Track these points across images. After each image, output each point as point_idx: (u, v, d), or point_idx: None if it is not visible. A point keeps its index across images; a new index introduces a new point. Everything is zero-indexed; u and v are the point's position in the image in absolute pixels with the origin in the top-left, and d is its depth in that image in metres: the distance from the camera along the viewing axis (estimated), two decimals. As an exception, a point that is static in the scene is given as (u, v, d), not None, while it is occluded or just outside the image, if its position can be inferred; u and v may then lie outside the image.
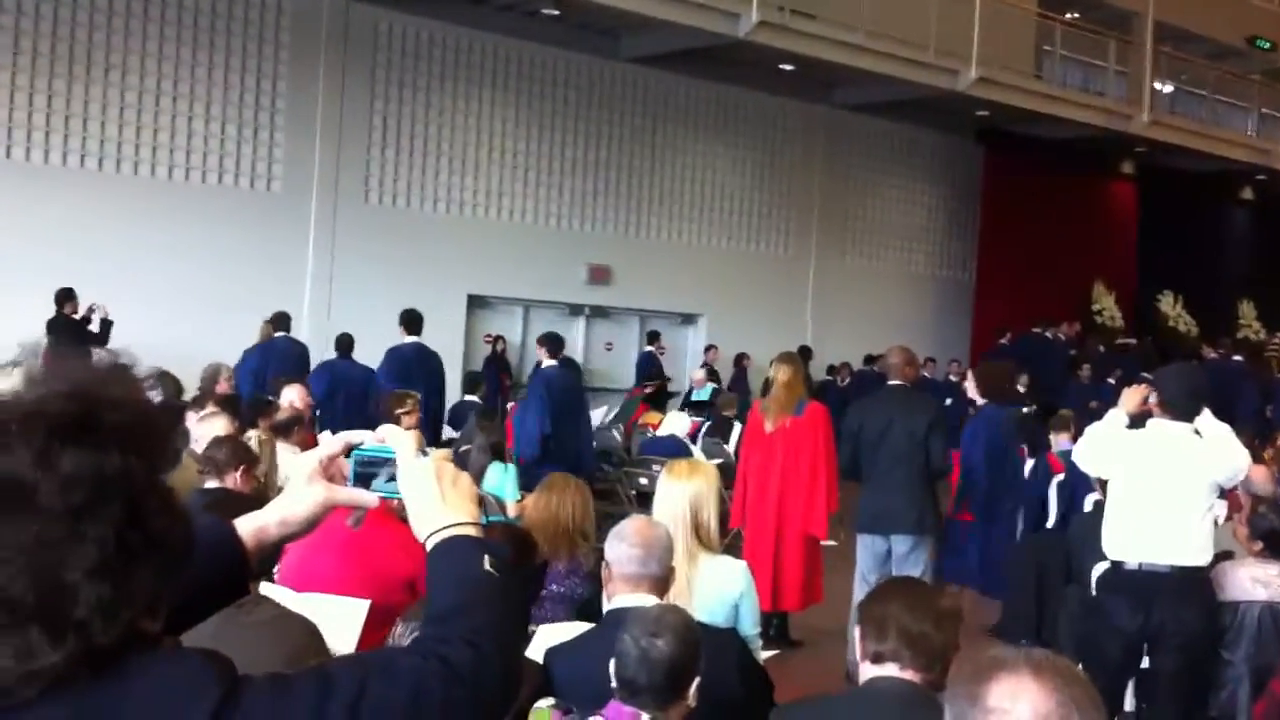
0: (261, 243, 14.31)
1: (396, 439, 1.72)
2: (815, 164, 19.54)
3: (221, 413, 6.38)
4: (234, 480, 4.88)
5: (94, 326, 11.87)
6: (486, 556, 1.54)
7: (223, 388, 8.61)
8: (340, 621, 3.88)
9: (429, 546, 1.58)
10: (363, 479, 1.72)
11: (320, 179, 14.88)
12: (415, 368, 11.05)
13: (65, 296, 11.79)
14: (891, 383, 7.55)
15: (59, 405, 1.26)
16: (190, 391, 10.19)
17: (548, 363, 10.61)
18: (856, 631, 2.97)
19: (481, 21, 15.74)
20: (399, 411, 8.77)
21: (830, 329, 19.17)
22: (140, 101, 13.63)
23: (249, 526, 1.66)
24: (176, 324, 12.98)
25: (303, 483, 1.70)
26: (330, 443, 1.75)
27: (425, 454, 1.68)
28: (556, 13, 15.51)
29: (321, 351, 12.65)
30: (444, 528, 1.58)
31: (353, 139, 15.11)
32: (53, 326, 11.50)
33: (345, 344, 11.64)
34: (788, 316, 18.90)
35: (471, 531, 1.58)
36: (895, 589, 3.17)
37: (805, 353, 17.03)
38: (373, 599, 4.10)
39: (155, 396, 10.13)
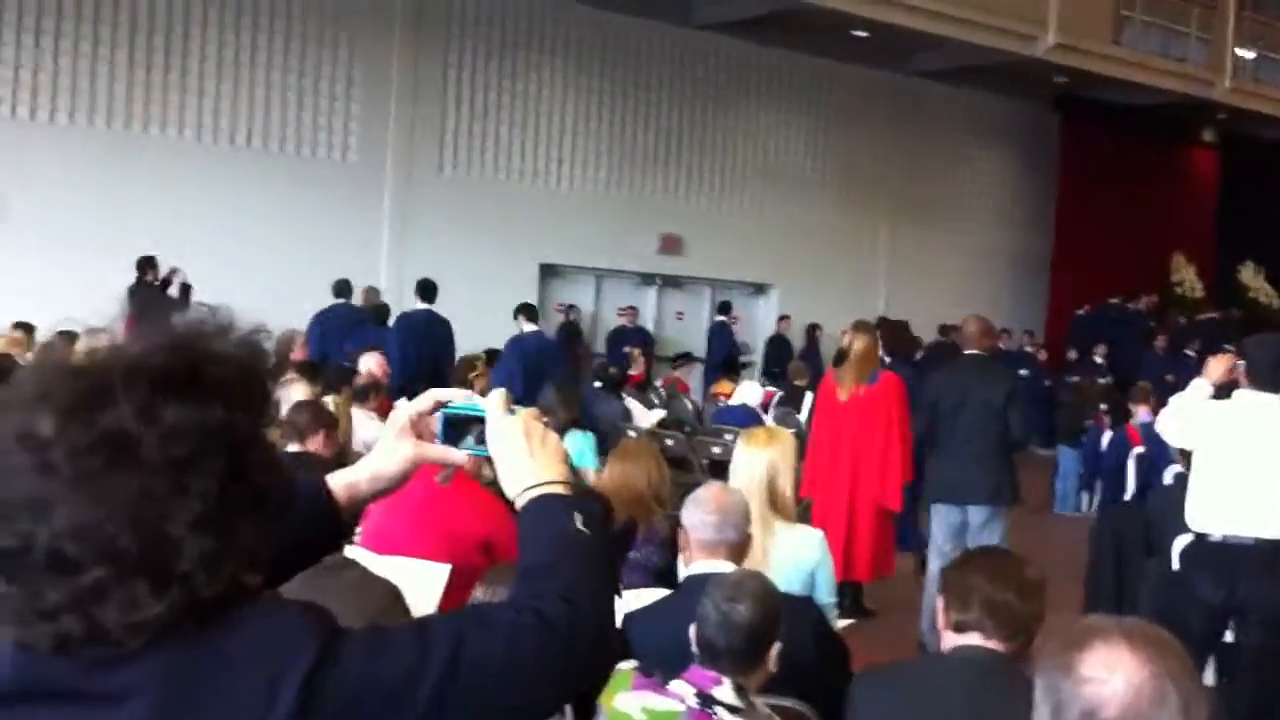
0: (338, 212, 14.44)
1: (486, 397, 1.72)
2: (889, 132, 19.30)
3: (300, 378, 6.48)
4: (315, 444, 4.94)
5: (174, 291, 12.10)
6: (578, 514, 1.54)
7: (298, 354, 8.74)
8: (421, 585, 3.93)
9: (519, 504, 1.58)
10: (451, 436, 1.72)
11: (394, 148, 14.97)
12: (424, 334, 11.41)
13: (146, 263, 12.08)
14: (968, 352, 7.48)
15: (161, 359, 1.27)
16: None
17: (526, 327, 11.39)
18: (939, 601, 2.95)
19: (553, -11, 15.72)
20: (471, 376, 8.89)
21: (904, 299, 18.96)
22: (220, 71, 13.78)
23: (340, 481, 1.68)
24: (253, 292, 13.04)
25: (392, 439, 1.71)
26: (420, 400, 1.75)
27: (513, 412, 1.67)
28: (628, -20, 15.47)
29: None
30: (534, 485, 1.58)
31: (426, 109, 15.18)
32: (134, 292, 11.77)
33: (381, 313, 12.38)
34: (861, 287, 18.74)
35: (562, 490, 1.58)
36: (979, 558, 3.15)
37: (884, 323, 16.89)
38: (449, 561, 4.14)
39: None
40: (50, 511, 1.20)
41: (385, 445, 1.71)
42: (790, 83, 18.25)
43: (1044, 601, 2.90)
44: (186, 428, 1.24)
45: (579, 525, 1.53)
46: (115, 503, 1.21)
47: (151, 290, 12.00)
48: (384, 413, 7.79)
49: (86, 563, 1.20)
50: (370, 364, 8.48)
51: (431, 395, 1.75)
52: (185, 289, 12.18)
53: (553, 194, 16.18)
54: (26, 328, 10.38)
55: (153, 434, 1.22)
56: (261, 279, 13.35)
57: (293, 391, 6.07)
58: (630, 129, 16.85)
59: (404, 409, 1.74)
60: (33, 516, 1.20)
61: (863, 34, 16.83)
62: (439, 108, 15.29)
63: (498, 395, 1.70)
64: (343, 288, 12.38)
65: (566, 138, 16.31)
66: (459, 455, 1.73)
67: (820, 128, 18.72)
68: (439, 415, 1.73)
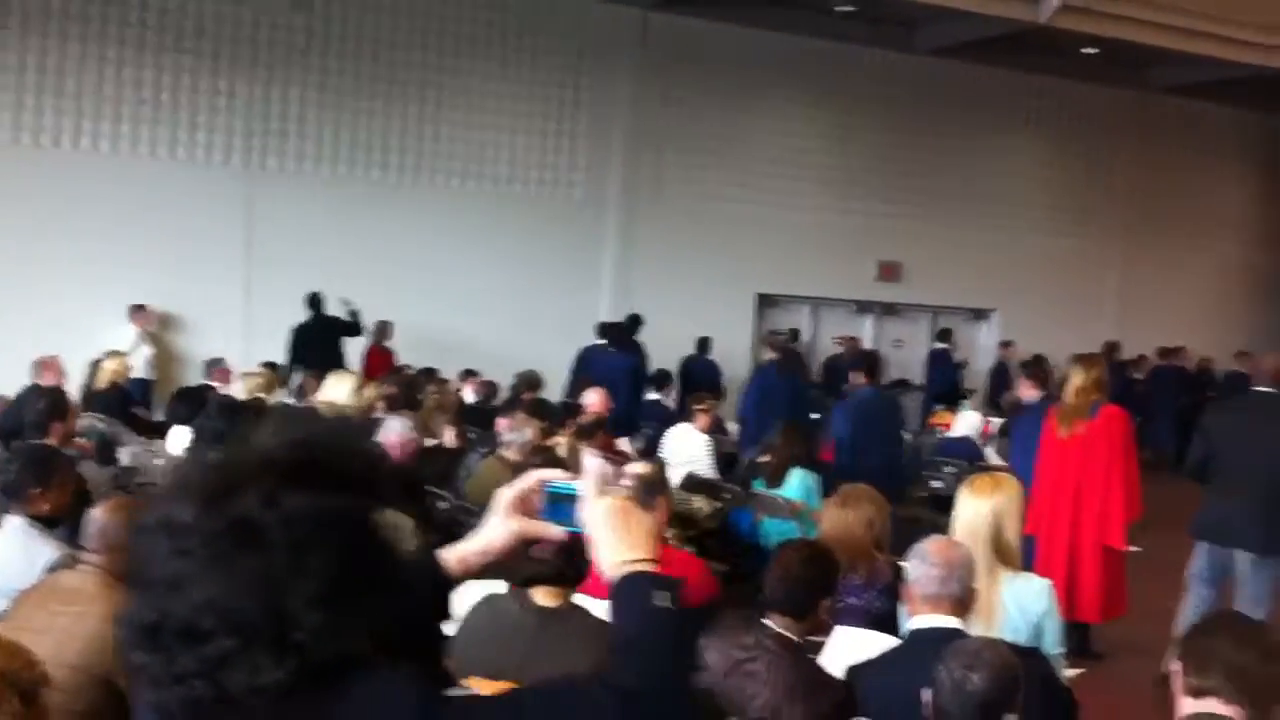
0: (562, 247, 14.91)
1: (584, 477, 1.83)
2: (1121, 150, 18.70)
3: (531, 419, 6.69)
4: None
5: (346, 319, 12.89)
6: (662, 593, 1.65)
7: (529, 394, 9.02)
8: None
9: (611, 581, 1.70)
10: (554, 513, 1.85)
11: (618, 183, 15.33)
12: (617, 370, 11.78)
13: (314, 299, 12.81)
14: (1259, 389, 7.14)
15: (286, 453, 1.45)
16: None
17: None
18: (1174, 665, 2.88)
19: (774, 22, 15.78)
20: (696, 409, 9.01)
21: (1135, 323, 18.32)
22: (453, 115, 14.41)
23: (453, 556, 1.85)
24: (481, 325, 13.72)
25: (500, 516, 1.87)
26: (524, 479, 1.91)
27: (607, 492, 1.79)
28: (852, 8, 15.41)
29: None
30: (622, 563, 1.69)
31: (649, 143, 15.48)
32: (305, 327, 12.63)
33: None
34: (1088, 310, 18.19)
35: (649, 568, 1.68)
36: (1220, 622, 3.07)
37: (1112, 347, 16.33)
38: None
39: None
40: (186, 589, 1.37)
41: (494, 522, 1.88)
42: (1015, 105, 17.88)
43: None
44: (305, 514, 1.40)
45: (663, 603, 1.64)
46: (241, 581, 1.37)
47: (325, 320, 12.77)
48: (607, 449, 7.99)
49: (216, 634, 1.37)
50: (593, 400, 8.69)
51: (535, 475, 1.91)
52: (354, 314, 12.90)
53: (771, 224, 16.24)
54: (274, 367, 11.02)
55: (275, 519, 1.39)
56: (493, 313, 13.95)
57: (524, 431, 6.30)
58: (849, 157, 16.79)
59: (510, 488, 1.90)
60: (170, 594, 1.38)
61: (1093, 51, 16.37)
62: (661, 141, 15.57)
63: (593, 475, 1.82)
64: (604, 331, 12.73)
65: (785, 168, 16.36)
66: (557, 531, 1.85)
67: (1046, 148, 18.27)
68: (544, 492, 1.87)
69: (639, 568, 1.68)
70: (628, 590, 1.66)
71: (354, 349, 12.76)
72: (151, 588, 1.39)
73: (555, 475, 1.90)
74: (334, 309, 12.86)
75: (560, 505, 1.84)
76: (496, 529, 1.87)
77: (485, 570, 1.89)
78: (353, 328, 12.83)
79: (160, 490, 1.48)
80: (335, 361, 11.78)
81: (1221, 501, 6.85)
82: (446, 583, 1.84)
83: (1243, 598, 6.73)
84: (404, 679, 1.50)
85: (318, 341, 12.39)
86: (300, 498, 1.40)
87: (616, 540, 1.71)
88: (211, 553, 1.37)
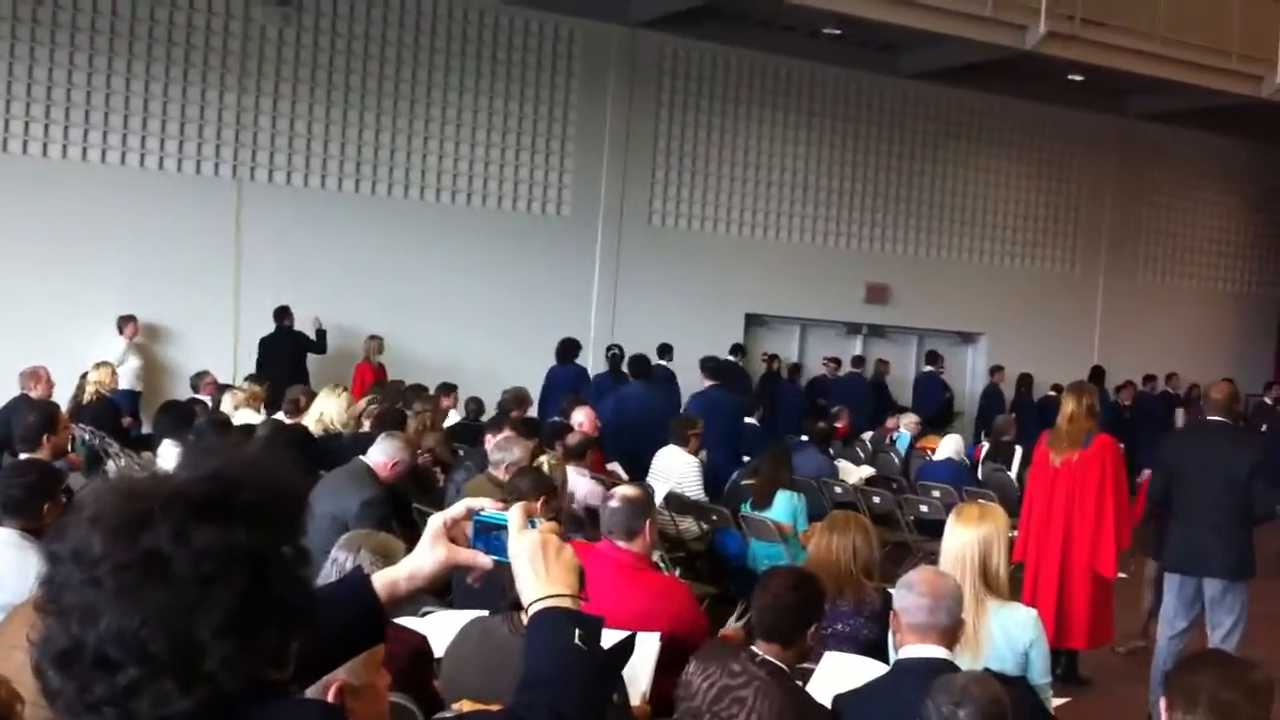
0: (550, 266, 14.90)
1: (510, 509, 1.84)
2: (1106, 177, 18.83)
3: (519, 437, 6.69)
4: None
5: (312, 336, 13.09)
6: (578, 630, 1.67)
7: (519, 411, 9.01)
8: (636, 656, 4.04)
9: (529, 614, 1.72)
10: (483, 542, 1.87)
11: (606, 203, 15.36)
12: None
13: (282, 312, 12.97)
14: (1213, 418, 7.22)
15: (198, 486, 1.46)
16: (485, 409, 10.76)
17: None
18: (1162, 702, 2.90)
19: (763, 43, 15.88)
20: (690, 433, 8.99)
21: (1120, 349, 18.41)
22: (442, 131, 14.44)
23: (382, 581, 1.87)
24: (470, 343, 13.74)
25: (429, 543, 1.89)
26: (454, 508, 1.92)
27: (534, 524, 1.80)
28: (838, 32, 15.48)
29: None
30: (542, 598, 1.71)
31: (637, 163, 15.53)
32: (270, 340, 12.82)
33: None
34: (1074, 336, 18.29)
35: (568, 604, 1.70)
36: (1206, 659, 3.09)
37: (1097, 373, 16.40)
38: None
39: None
40: (97, 618, 1.39)
41: (422, 548, 1.90)
42: (1001, 129, 17.99)
43: (1271, 705, 2.83)
44: (214, 548, 1.42)
45: (578, 641, 1.65)
46: (151, 613, 1.39)
47: (289, 334, 12.91)
48: (596, 469, 8.01)
49: (125, 663, 1.39)
50: (582, 419, 8.68)
51: (465, 504, 1.92)
52: (320, 334, 13.06)
53: (759, 245, 16.31)
54: (261, 381, 11.01)
55: (184, 553, 1.41)
56: (477, 331, 13.96)
57: (512, 449, 6.30)
58: (837, 179, 16.87)
59: (439, 516, 1.91)
60: (83, 622, 1.39)
61: (1078, 78, 16.48)
62: (649, 161, 15.62)
63: (518, 509, 1.83)
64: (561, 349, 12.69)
65: (774, 189, 16.43)
66: (485, 560, 1.87)
67: (1032, 174, 18.38)
68: (472, 521, 1.89)
69: (558, 604, 1.70)
70: (544, 627, 1.69)
71: (318, 364, 12.98)
72: (64, 615, 1.41)
73: (485, 504, 1.90)
74: (308, 325, 13.04)
75: (490, 535, 1.85)
76: (424, 556, 1.89)
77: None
78: (316, 344, 13.03)
79: (73, 516, 1.47)
80: (299, 376, 11.90)
81: (1190, 532, 6.92)
82: (375, 608, 1.86)
83: (1216, 623, 6.80)
84: (315, 708, 1.54)
85: (281, 355, 12.59)
86: (209, 533, 1.42)
87: (537, 575, 1.73)
88: (120, 584, 1.39)
